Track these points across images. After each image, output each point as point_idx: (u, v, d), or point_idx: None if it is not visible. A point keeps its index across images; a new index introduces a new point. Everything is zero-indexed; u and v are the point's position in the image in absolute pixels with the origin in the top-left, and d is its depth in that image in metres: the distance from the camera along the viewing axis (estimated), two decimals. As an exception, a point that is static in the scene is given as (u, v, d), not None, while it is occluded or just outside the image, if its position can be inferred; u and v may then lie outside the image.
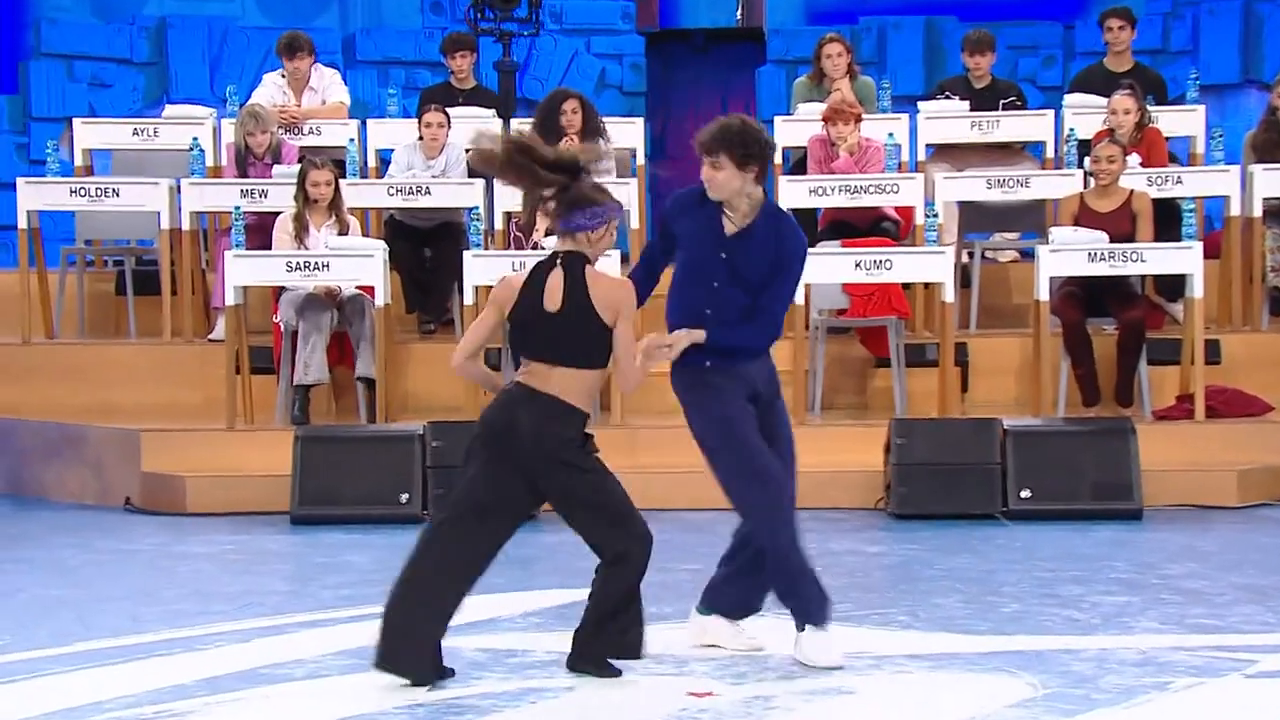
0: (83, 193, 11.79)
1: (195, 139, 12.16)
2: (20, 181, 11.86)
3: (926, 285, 11.31)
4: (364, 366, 10.85)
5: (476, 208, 11.30)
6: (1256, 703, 6.23)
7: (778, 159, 12.41)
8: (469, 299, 10.85)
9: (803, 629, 6.72)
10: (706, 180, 6.65)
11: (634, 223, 11.81)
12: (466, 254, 10.88)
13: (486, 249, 11.13)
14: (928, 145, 12.43)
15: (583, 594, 8.02)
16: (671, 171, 14.54)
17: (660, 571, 8.55)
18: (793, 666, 6.74)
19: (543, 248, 10.78)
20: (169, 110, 13.20)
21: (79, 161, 12.41)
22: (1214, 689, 6.43)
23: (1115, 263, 10.67)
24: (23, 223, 11.67)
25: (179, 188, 11.69)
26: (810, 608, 6.71)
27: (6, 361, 11.70)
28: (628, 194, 11.81)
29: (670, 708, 6.18)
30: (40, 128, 13.74)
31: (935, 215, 11.20)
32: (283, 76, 12.72)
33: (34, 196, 11.73)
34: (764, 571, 6.75)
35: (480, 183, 11.67)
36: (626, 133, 12.69)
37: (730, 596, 6.95)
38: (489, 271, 10.78)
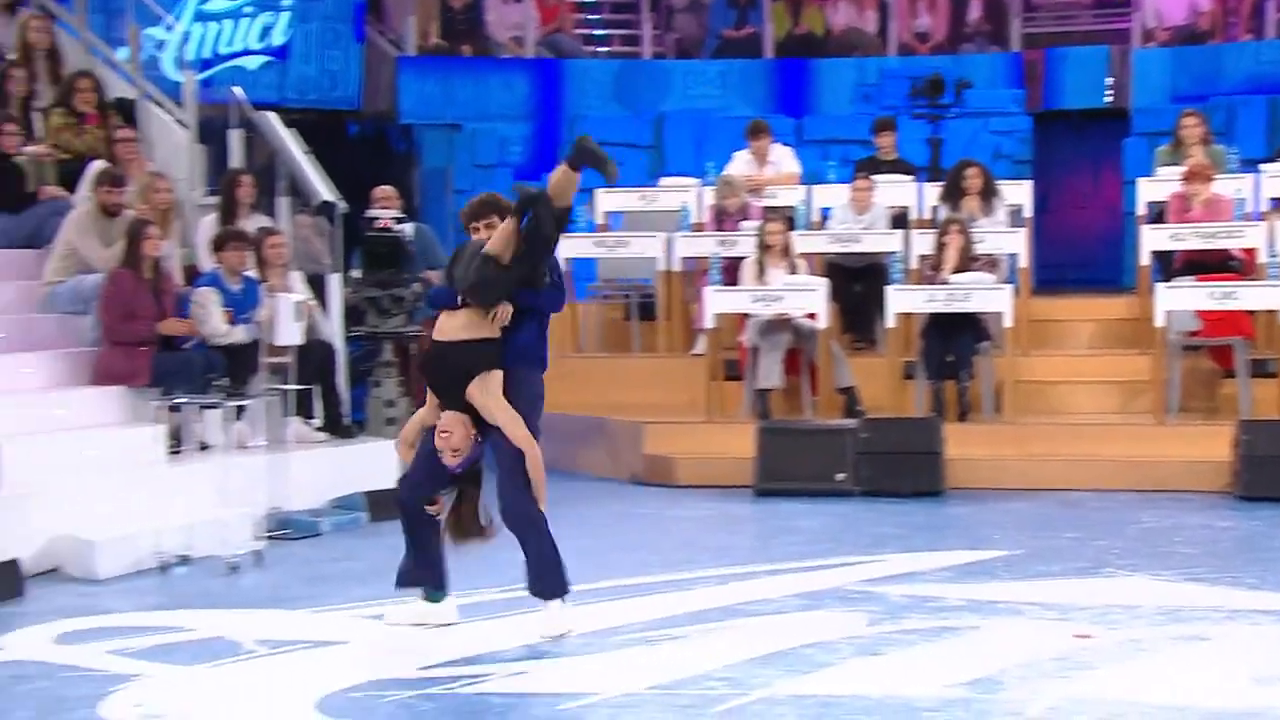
0: (603, 244, 12.09)
1: (684, 203, 12.33)
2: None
3: (1269, 311, 10.65)
4: (843, 379, 10.85)
5: (897, 252, 11.16)
6: None
7: (1141, 210, 11.92)
8: (890, 323, 10.74)
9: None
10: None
11: (1022, 262, 11.51)
12: (889, 288, 10.76)
13: (905, 284, 10.98)
14: (1271, 199, 11.71)
15: (988, 554, 7.84)
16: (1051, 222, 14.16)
17: (1046, 537, 8.33)
18: (1159, 615, 6.43)
19: (948, 283, 10.61)
20: (664, 181, 13.41)
21: (600, 221, 12.69)
22: None
23: None
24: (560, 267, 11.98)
25: (672, 240, 11.87)
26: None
27: (549, 370, 11.96)
28: (1018, 240, 11.53)
29: (1060, 647, 5.97)
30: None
31: (1276, 256, 10.55)
32: (749, 154, 12.80)
33: (568, 247, 11.88)
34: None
35: (900, 232, 11.52)
36: (1016, 192, 12.34)
37: None
38: (908, 302, 10.67)
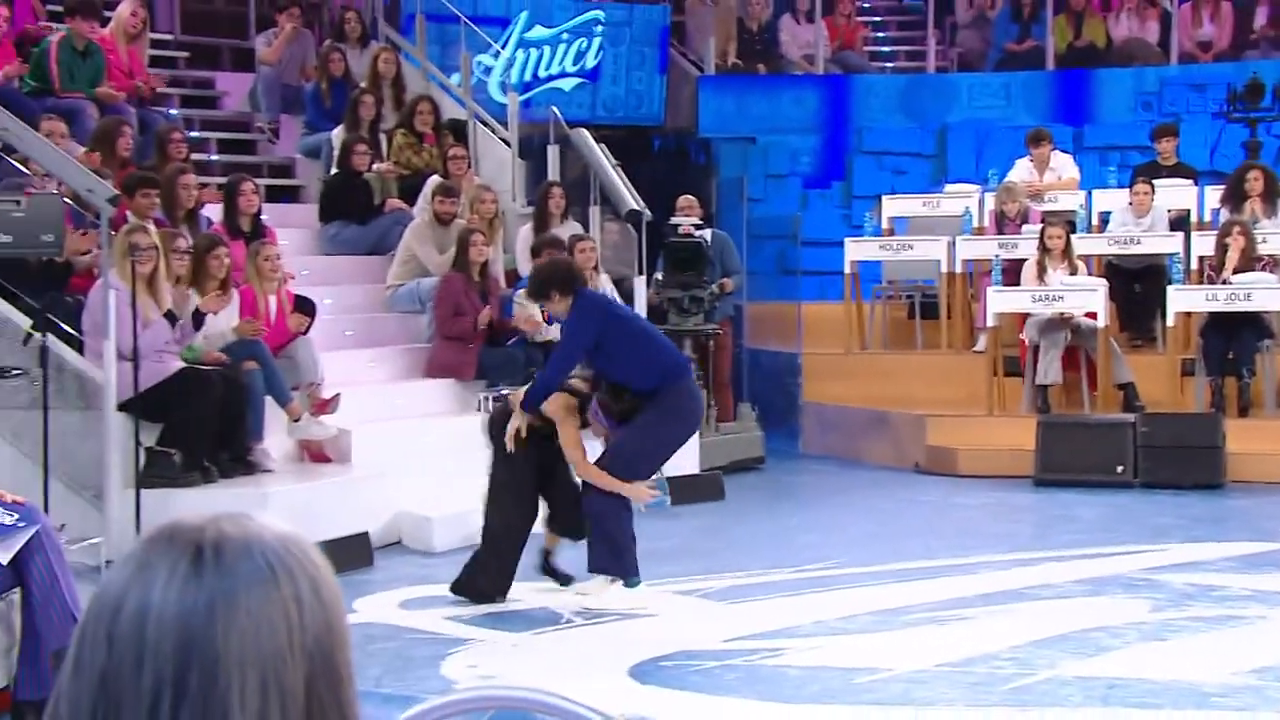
0: (888, 248, 12.00)
1: (966, 208, 12.12)
2: (847, 241, 12.13)
3: None
4: (1122, 375, 10.51)
5: (1177, 253, 10.73)
6: None
7: None
8: (1170, 321, 10.35)
9: None
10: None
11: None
12: (1170, 288, 10.36)
13: (1185, 285, 10.55)
14: None
15: (1272, 546, 7.49)
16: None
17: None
18: None
19: (1229, 283, 10.15)
20: (947, 188, 13.20)
21: (885, 226, 12.58)
22: None
23: None
24: (847, 269, 11.93)
25: (954, 243, 11.69)
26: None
27: (836, 366, 11.99)
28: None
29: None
30: (859, 203, 13.94)
31: None
32: (1030, 161, 12.49)
33: (855, 251, 11.98)
34: None
35: (1179, 234, 11.08)
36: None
37: None
38: (1187, 301, 10.25)
